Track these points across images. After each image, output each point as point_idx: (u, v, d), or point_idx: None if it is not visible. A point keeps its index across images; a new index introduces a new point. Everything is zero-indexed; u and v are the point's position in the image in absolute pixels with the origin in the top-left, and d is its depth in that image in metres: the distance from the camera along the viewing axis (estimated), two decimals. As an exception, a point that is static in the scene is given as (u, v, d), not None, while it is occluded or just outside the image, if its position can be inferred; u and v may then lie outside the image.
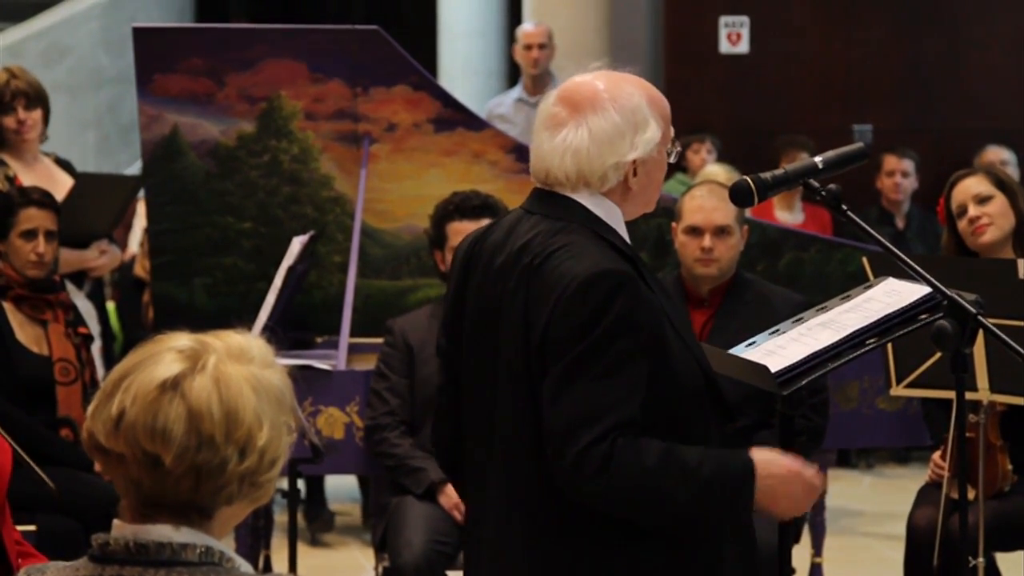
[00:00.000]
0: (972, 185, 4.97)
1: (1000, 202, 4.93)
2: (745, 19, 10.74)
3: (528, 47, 9.47)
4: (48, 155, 6.54)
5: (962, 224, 4.96)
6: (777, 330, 3.41)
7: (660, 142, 3.11)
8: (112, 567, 2.18)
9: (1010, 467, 4.77)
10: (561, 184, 3.09)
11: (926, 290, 3.30)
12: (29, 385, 5.38)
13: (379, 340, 5.51)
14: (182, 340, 2.22)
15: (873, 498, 8.17)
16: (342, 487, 7.78)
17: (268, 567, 5.68)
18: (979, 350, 4.37)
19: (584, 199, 3.08)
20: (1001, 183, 4.98)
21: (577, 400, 2.92)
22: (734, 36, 10.76)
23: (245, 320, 5.35)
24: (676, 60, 10.85)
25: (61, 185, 6.22)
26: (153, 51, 6.21)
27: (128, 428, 2.16)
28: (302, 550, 5.72)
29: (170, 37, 6.45)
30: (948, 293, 3.24)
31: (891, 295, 3.38)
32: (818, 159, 3.34)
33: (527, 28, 9.67)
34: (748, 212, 5.41)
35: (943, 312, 3.25)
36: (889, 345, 4.40)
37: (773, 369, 3.22)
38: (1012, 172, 9.16)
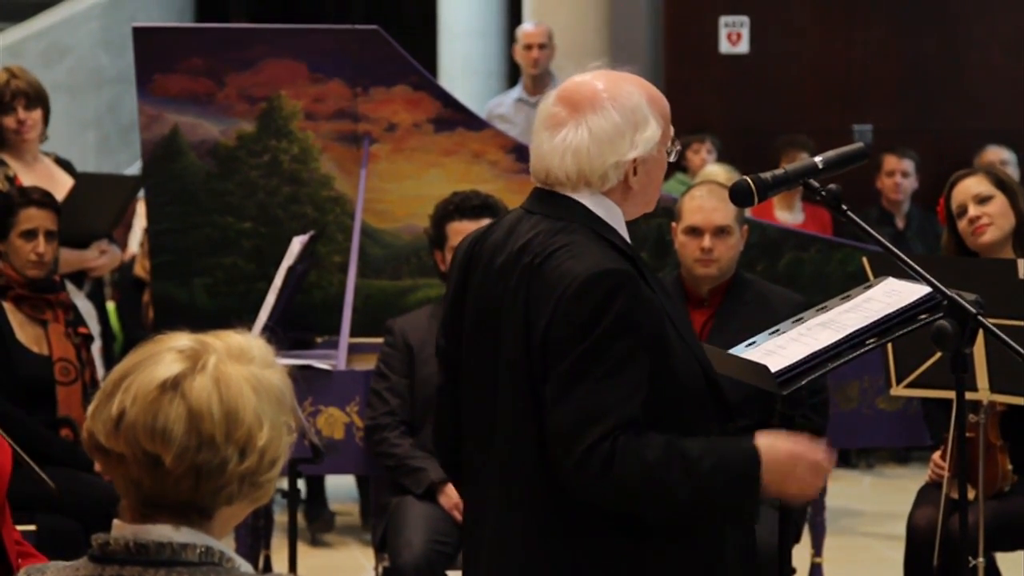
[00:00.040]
0: (972, 185, 4.97)
1: (1000, 202, 4.93)
2: (745, 19, 10.75)
3: (528, 47, 9.48)
4: (48, 155, 6.54)
5: (962, 224, 4.96)
6: (777, 330, 3.41)
7: (660, 141, 3.11)
8: (112, 567, 2.18)
9: (1010, 467, 4.77)
10: (561, 184, 3.09)
11: (926, 290, 3.30)
12: (29, 385, 5.38)
13: (379, 340, 5.51)
14: (182, 340, 2.22)
15: (873, 498, 8.17)
16: (342, 487, 7.78)
17: (268, 567, 5.68)
18: (979, 350, 4.37)
19: (585, 199, 3.08)
20: (1001, 183, 4.98)
21: (580, 401, 2.92)
22: (734, 36, 10.76)
23: (245, 320, 5.36)
24: (676, 60, 10.85)
25: (61, 185, 6.22)
26: (153, 51, 6.21)
27: (128, 428, 2.16)
28: (302, 550, 5.72)
29: (170, 37, 6.45)
30: (948, 293, 3.24)
31: (891, 295, 3.38)
32: (818, 159, 3.34)
33: (527, 28, 9.68)
34: (748, 212, 5.41)
35: (943, 312, 3.25)
36: (889, 345, 4.40)
37: (773, 369, 3.22)
38: (1012, 172, 9.16)
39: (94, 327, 6.21)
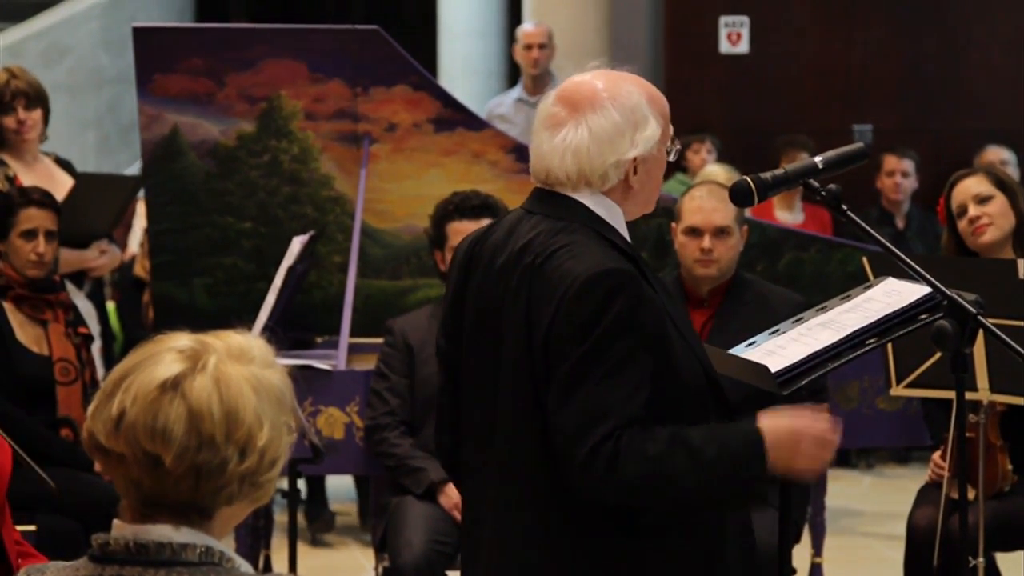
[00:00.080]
0: (972, 185, 4.97)
1: (1000, 202, 4.93)
2: (745, 19, 10.75)
3: (528, 47, 9.48)
4: (48, 155, 6.54)
5: (962, 224, 4.96)
6: (777, 330, 3.41)
7: (660, 140, 3.11)
8: (112, 567, 2.18)
9: (1010, 467, 4.77)
10: (562, 184, 3.09)
11: (926, 290, 3.30)
12: (29, 385, 5.38)
13: (379, 340, 5.51)
14: (182, 340, 2.22)
15: (873, 498, 8.17)
16: (342, 487, 7.78)
17: (268, 567, 5.68)
18: (979, 350, 4.37)
19: (585, 198, 3.08)
20: (1001, 183, 4.98)
21: (581, 402, 2.92)
22: (734, 36, 10.76)
23: (245, 320, 5.36)
24: (676, 60, 10.85)
25: (61, 185, 6.22)
26: (153, 51, 6.21)
27: (128, 428, 2.16)
28: (302, 550, 5.72)
29: (170, 37, 6.45)
30: (948, 293, 3.24)
31: (891, 295, 3.38)
32: (818, 159, 3.34)
33: (527, 28, 9.68)
34: (748, 212, 5.41)
35: (943, 312, 3.25)
36: (889, 345, 4.40)
37: (773, 369, 3.22)
38: (1012, 172, 9.16)
39: (94, 327, 6.21)
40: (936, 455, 4.94)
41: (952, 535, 4.56)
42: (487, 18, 11.70)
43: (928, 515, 4.77)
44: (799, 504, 5.09)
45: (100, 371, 5.80)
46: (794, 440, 3.04)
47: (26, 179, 6.21)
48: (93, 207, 6.30)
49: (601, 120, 3.06)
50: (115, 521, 2.22)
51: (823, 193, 3.31)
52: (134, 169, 9.71)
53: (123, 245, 8.74)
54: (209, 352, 2.20)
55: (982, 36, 10.64)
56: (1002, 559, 5.21)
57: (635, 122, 3.08)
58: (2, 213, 5.49)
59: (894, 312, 3.31)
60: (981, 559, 4.32)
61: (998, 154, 9.63)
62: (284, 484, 5.10)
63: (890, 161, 9.43)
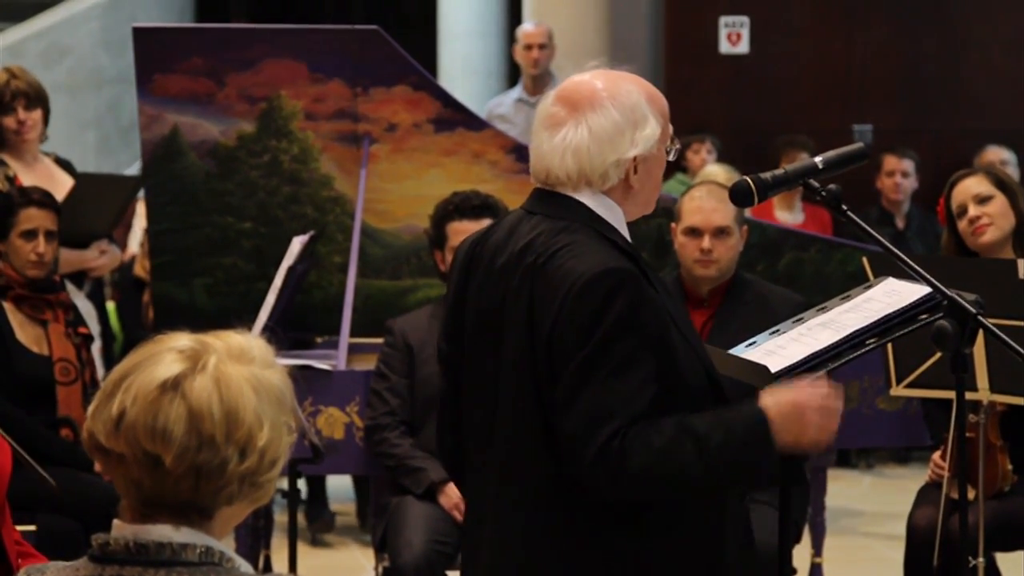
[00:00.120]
0: (972, 185, 4.97)
1: (1000, 202, 4.93)
2: (745, 19, 10.74)
3: (528, 47, 9.47)
4: (48, 155, 6.54)
5: (962, 224, 4.96)
6: (777, 330, 3.42)
7: (660, 139, 3.11)
8: (112, 567, 2.18)
9: (1010, 467, 4.77)
10: (562, 183, 3.09)
11: (926, 290, 3.31)
12: (29, 385, 5.38)
13: (379, 340, 5.51)
14: (182, 340, 2.22)
15: (873, 498, 8.17)
16: (342, 487, 7.78)
17: (268, 567, 5.68)
18: (979, 350, 4.37)
19: (586, 198, 3.08)
20: (1001, 183, 4.98)
21: (588, 402, 2.92)
22: (734, 36, 10.76)
23: (245, 320, 5.35)
24: (676, 60, 10.85)
25: (61, 185, 6.22)
26: (153, 51, 6.21)
27: (128, 428, 2.16)
28: (302, 550, 5.72)
29: (170, 37, 6.44)
30: (948, 293, 3.24)
31: (891, 295, 3.38)
32: (818, 159, 3.34)
33: (527, 28, 9.67)
34: (748, 212, 5.41)
35: (943, 312, 3.25)
36: (889, 345, 4.40)
37: (773, 369, 3.22)
38: (1012, 172, 9.16)
39: (94, 327, 6.21)
40: (936, 455, 4.94)
41: (952, 535, 4.56)
42: (487, 18, 11.70)
43: (928, 515, 4.77)
44: (799, 504, 5.09)
45: (100, 371, 5.80)
46: (798, 414, 3.04)
47: (26, 179, 6.21)
48: (93, 207, 6.30)
49: (601, 119, 3.06)
50: (115, 521, 2.22)
51: (823, 193, 3.31)
52: (134, 169, 9.71)
53: (123, 245, 8.74)
54: (209, 352, 2.20)
55: (982, 36, 10.64)
56: (1002, 559, 5.21)
57: (635, 121, 3.08)
58: (2, 213, 5.49)
59: (894, 312, 3.31)
60: (981, 559, 4.32)
61: (998, 154, 9.63)
62: (284, 484, 5.10)
63: (890, 161, 9.43)
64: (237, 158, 6.27)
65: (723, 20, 10.74)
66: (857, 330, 3.28)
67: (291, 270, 5.69)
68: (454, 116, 6.26)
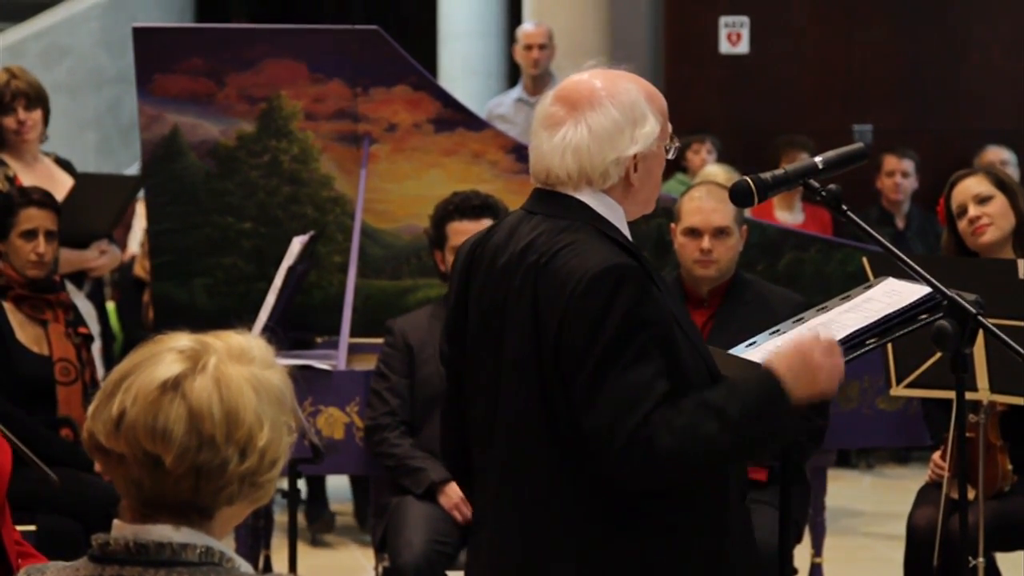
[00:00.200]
0: (972, 185, 4.97)
1: (1000, 202, 4.93)
2: (745, 19, 10.74)
3: (528, 47, 9.47)
4: (48, 155, 6.54)
5: (962, 224, 4.96)
6: (777, 330, 3.42)
7: (659, 137, 3.12)
8: (112, 567, 2.18)
9: (1010, 467, 4.77)
10: (563, 183, 3.09)
11: (926, 290, 3.31)
12: (29, 385, 5.38)
13: (379, 340, 5.51)
14: (182, 340, 2.22)
15: (873, 498, 8.17)
16: (342, 487, 7.78)
17: (268, 567, 5.68)
18: (979, 350, 4.37)
19: (586, 197, 3.08)
20: (1001, 183, 4.98)
21: (610, 395, 2.92)
22: (734, 36, 10.76)
23: (245, 320, 5.35)
24: (676, 60, 10.84)
25: (61, 185, 6.22)
26: (153, 51, 6.21)
27: (129, 428, 2.16)
28: (302, 550, 5.72)
29: (170, 37, 6.45)
30: (948, 293, 3.24)
31: (891, 295, 3.38)
32: (818, 159, 3.34)
33: (527, 28, 9.68)
34: (748, 212, 5.41)
35: (943, 312, 3.25)
36: (889, 345, 4.40)
37: (773, 369, 3.22)
38: (1012, 172, 9.16)
39: (94, 327, 6.21)
40: (936, 455, 4.94)
41: (952, 535, 4.56)
42: (487, 18, 11.70)
43: (928, 515, 4.77)
44: (799, 504, 5.09)
45: (100, 371, 5.80)
46: (805, 361, 3.04)
47: (26, 179, 6.21)
48: (93, 207, 6.30)
49: (600, 118, 3.06)
50: (115, 521, 2.22)
51: (823, 193, 3.31)
52: (134, 169, 9.71)
53: (123, 245, 8.74)
54: (209, 352, 2.20)
55: (982, 36, 10.64)
56: (1002, 559, 5.21)
57: (634, 119, 3.08)
58: (2, 213, 5.49)
59: (894, 312, 3.31)
60: (981, 559, 4.32)
61: (998, 154, 9.64)
62: (284, 484, 5.10)
63: (890, 161, 9.43)
64: (237, 158, 6.27)
65: (723, 20, 10.74)
66: (857, 330, 3.28)
67: (291, 270, 5.69)
68: (454, 116, 6.26)
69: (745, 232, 5.14)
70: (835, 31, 10.76)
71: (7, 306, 5.44)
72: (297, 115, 6.23)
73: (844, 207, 3.32)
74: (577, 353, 2.95)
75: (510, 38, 10.53)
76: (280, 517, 6.64)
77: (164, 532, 2.18)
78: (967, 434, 4.22)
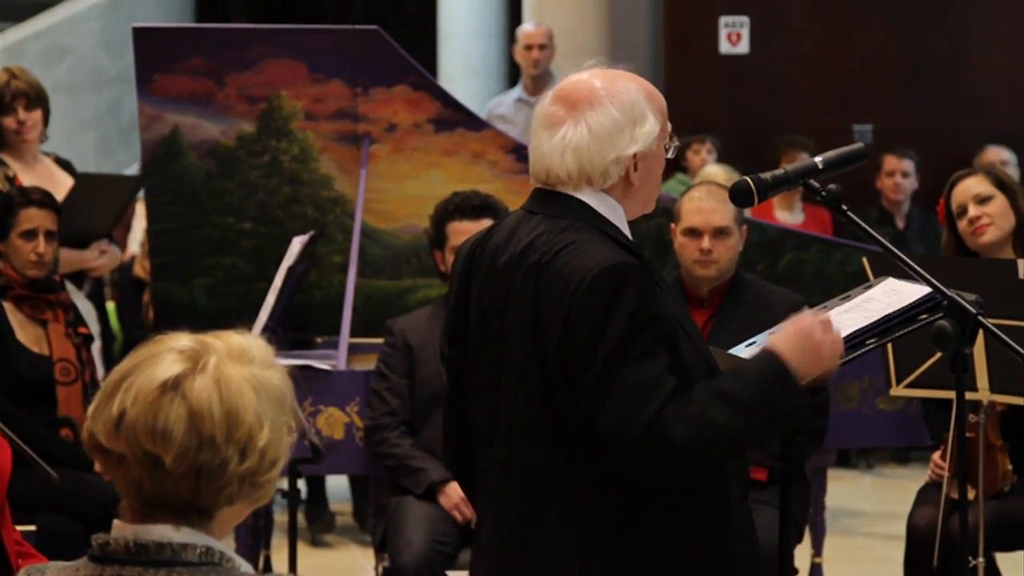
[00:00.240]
0: (972, 185, 4.97)
1: (1000, 202, 4.93)
2: (745, 19, 10.74)
3: (528, 47, 9.48)
4: (48, 155, 6.54)
5: (962, 224, 4.96)
6: (777, 331, 3.41)
7: (659, 136, 3.12)
8: (112, 567, 2.18)
9: (1010, 467, 4.77)
10: (563, 183, 3.09)
11: (926, 290, 3.31)
12: (29, 385, 5.38)
13: (379, 340, 5.50)
14: (182, 340, 2.22)
15: (873, 498, 8.17)
16: (342, 487, 7.78)
17: (268, 567, 5.69)
18: (979, 350, 4.37)
19: (587, 197, 3.08)
20: (1001, 183, 4.98)
21: (621, 393, 2.92)
22: (734, 36, 10.76)
23: (245, 320, 5.36)
24: (676, 60, 10.84)
25: (61, 185, 6.22)
26: (153, 51, 6.21)
27: (129, 428, 2.16)
28: (302, 550, 5.72)
29: (170, 37, 6.45)
30: (948, 293, 3.24)
31: (891, 295, 3.38)
32: (818, 159, 3.34)
33: (527, 28, 9.68)
34: (748, 212, 5.41)
35: (943, 312, 3.25)
36: (889, 345, 4.40)
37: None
38: (1012, 172, 9.17)
39: (94, 327, 6.21)
40: (936, 455, 4.94)
41: (952, 535, 4.56)
42: (487, 18, 11.70)
43: (928, 515, 4.77)
44: (800, 504, 5.09)
45: (100, 371, 5.80)
46: (805, 338, 3.05)
47: (26, 179, 6.21)
48: (93, 207, 6.30)
49: (600, 117, 3.06)
50: (115, 521, 2.22)
51: (823, 193, 3.31)
52: (134, 169, 9.71)
53: (123, 245, 8.74)
54: (209, 352, 2.20)
55: (982, 36, 10.64)
56: (1002, 559, 5.21)
57: (634, 118, 3.08)
58: (2, 213, 5.49)
59: (894, 312, 3.31)
60: (981, 559, 4.32)
61: (998, 154, 9.64)
62: (284, 484, 5.10)
63: (890, 161, 9.43)
64: (237, 158, 6.27)
65: (723, 20, 10.74)
66: (857, 330, 3.28)
67: (291, 270, 5.69)
68: (454, 116, 6.26)
69: (745, 232, 5.14)
70: (835, 31, 10.76)
71: (7, 306, 5.44)
72: (297, 115, 6.23)
73: (844, 207, 3.32)
74: (583, 352, 2.95)
75: (510, 38, 10.53)
76: (280, 517, 6.64)
77: (164, 532, 2.18)
78: (967, 434, 4.22)
